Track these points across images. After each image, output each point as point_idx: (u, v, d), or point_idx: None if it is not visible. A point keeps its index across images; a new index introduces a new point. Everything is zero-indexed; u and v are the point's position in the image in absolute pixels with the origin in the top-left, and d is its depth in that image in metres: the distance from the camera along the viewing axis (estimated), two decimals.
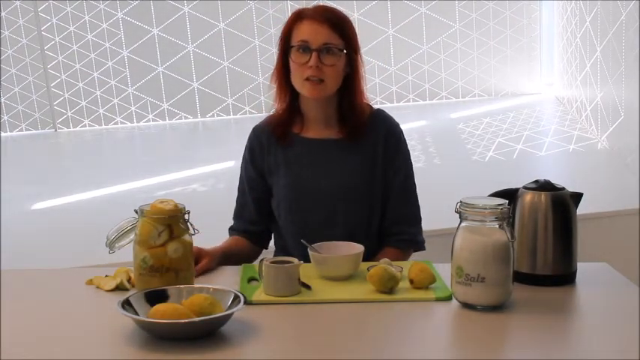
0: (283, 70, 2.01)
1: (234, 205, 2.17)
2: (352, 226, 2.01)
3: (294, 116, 2.06)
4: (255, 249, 2.15)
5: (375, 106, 2.11)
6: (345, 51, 1.97)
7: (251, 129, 2.15)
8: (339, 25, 1.97)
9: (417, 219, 2.10)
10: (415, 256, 2.09)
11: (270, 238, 2.18)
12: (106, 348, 1.44)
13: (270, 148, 2.07)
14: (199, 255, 1.86)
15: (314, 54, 1.93)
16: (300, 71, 1.95)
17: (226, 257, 2.00)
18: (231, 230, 2.16)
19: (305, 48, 1.94)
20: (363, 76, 2.04)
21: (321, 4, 2.06)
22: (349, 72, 2.01)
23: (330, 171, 2.03)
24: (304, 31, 1.95)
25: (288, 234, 2.06)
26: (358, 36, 2.02)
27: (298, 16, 1.98)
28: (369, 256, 1.93)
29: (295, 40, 1.96)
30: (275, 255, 2.13)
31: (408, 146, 2.11)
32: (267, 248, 2.18)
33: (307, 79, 1.95)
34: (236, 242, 2.11)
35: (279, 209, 2.07)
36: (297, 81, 1.98)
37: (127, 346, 1.43)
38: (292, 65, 1.97)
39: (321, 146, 2.04)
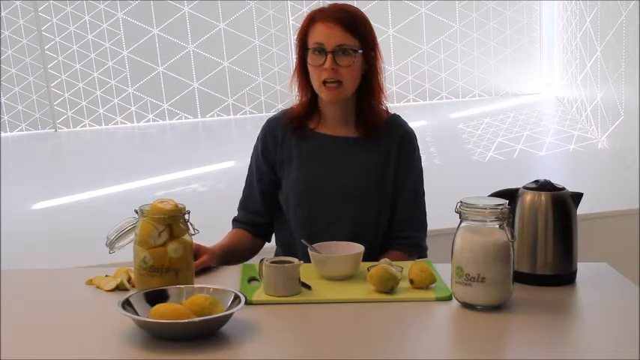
0: (302, 72, 2.02)
1: (234, 204, 2.17)
2: (360, 224, 2.01)
3: (312, 113, 2.07)
4: (257, 242, 2.14)
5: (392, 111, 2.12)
6: (360, 50, 1.97)
7: (260, 125, 2.15)
8: (354, 24, 1.97)
9: (423, 225, 2.11)
10: None
11: (273, 232, 2.18)
12: (106, 348, 1.44)
13: (283, 141, 2.08)
14: (198, 251, 1.86)
15: (329, 56, 1.94)
16: (317, 73, 1.96)
17: (227, 255, 2.00)
18: (235, 222, 2.15)
19: (320, 50, 1.95)
20: (381, 73, 2.04)
21: (335, 3, 2.05)
22: (367, 70, 2.01)
23: (343, 168, 2.03)
24: (319, 33, 1.96)
25: (295, 228, 2.06)
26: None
27: (312, 18, 1.99)
28: (374, 256, 1.93)
29: (311, 43, 1.97)
30: (276, 252, 2.14)
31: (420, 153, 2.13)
32: (269, 241, 2.18)
33: (325, 82, 1.95)
34: (237, 237, 2.11)
35: (288, 202, 2.07)
36: (315, 83, 1.99)
37: (127, 346, 1.43)
38: (309, 68, 1.99)
39: (336, 143, 2.05)
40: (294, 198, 2.05)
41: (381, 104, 2.06)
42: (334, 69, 1.94)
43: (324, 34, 1.95)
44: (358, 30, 1.97)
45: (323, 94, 1.98)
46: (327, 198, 2.02)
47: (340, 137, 2.05)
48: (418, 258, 2.09)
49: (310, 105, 2.06)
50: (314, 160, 2.05)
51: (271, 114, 2.18)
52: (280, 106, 7.16)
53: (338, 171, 2.03)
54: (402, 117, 2.12)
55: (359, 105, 2.04)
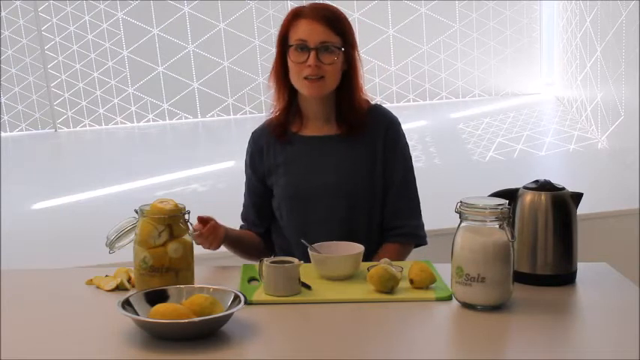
0: (282, 70, 2.02)
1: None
2: (353, 221, 2.01)
3: (292, 115, 2.07)
4: (264, 245, 2.16)
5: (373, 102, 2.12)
6: (342, 48, 1.97)
7: (251, 132, 2.16)
8: (336, 22, 1.98)
9: (417, 212, 2.10)
10: (415, 255, 2.09)
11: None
12: (106, 348, 1.44)
13: (269, 150, 2.08)
14: (209, 220, 1.88)
15: (312, 53, 1.94)
16: (299, 70, 1.96)
17: (234, 240, 2.03)
18: (242, 228, 2.18)
19: (303, 47, 1.95)
20: (360, 72, 2.04)
21: (318, 2, 2.06)
22: (347, 69, 2.01)
23: (329, 167, 2.03)
24: (302, 30, 1.96)
25: (290, 232, 2.06)
26: (356, 33, 2.04)
27: (295, 15, 1.99)
28: (370, 251, 1.93)
29: (293, 40, 1.97)
30: (275, 255, 2.14)
31: (407, 140, 2.12)
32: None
33: (306, 77, 1.95)
34: (248, 233, 2.14)
35: (280, 208, 2.07)
36: (296, 80, 1.99)
37: (127, 346, 1.43)
38: (291, 64, 1.98)
39: (320, 143, 2.05)
40: (285, 203, 2.05)
41: (361, 100, 2.06)
42: (317, 66, 1.94)
43: (307, 31, 1.96)
44: (340, 28, 1.98)
45: (304, 89, 1.98)
46: (318, 199, 2.03)
47: (324, 137, 2.05)
48: (416, 246, 2.09)
49: (290, 107, 2.06)
50: (300, 163, 2.05)
51: (268, 117, 2.17)
52: None
53: (325, 171, 2.03)
54: (404, 120, 2.12)
55: (338, 103, 2.04)
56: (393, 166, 2.05)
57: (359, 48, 2.05)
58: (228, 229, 2.02)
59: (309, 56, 1.94)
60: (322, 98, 2.01)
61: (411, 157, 2.11)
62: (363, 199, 2.03)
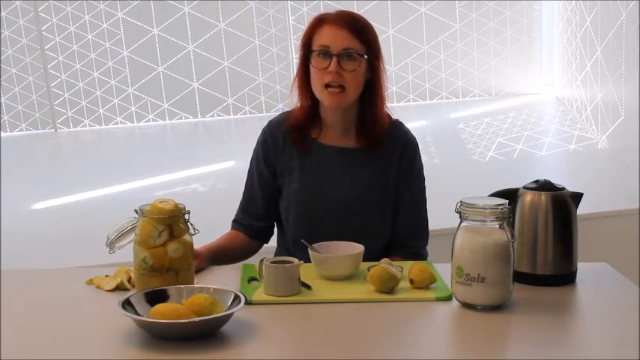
0: (304, 75, 2.00)
1: (234, 204, 2.16)
2: (362, 236, 1.98)
3: (312, 120, 2.04)
4: (254, 244, 2.13)
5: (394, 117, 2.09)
6: (365, 56, 1.96)
7: (260, 125, 2.12)
8: (361, 30, 1.95)
9: (425, 234, 2.09)
10: None
11: (273, 233, 2.17)
12: (106, 348, 1.44)
13: (285, 149, 2.05)
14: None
15: (334, 59, 1.92)
16: (320, 76, 1.94)
17: (219, 255, 1.98)
18: (235, 223, 2.14)
19: (325, 53, 1.93)
20: (384, 83, 2.02)
21: (342, 10, 2.04)
22: (370, 78, 1.99)
23: (344, 180, 2.01)
24: (325, 36, 1.94)
25: (295, 237, 2.04)
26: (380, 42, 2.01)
27: (320, 21, 1.97)
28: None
29: (316, 45, 1.95)
30: (276, 253, 2.13)
31: (423, 162, 2.11)
32: (267, 242, 2.17)
33: (327, 85, 1.93)
34: (233, 238, 2.10)
35: (287, 212, 2.06)
36: (317, 87, 1.96)
37: (127, 346, 1.43)
38: (312, 71, 1.96)
39: (338, 154, 2.03)
40: (295, 209, 2.04)
41: (383, 113, 2.04)
42: (338, 72, 1.91)
43: (330, 37, 1.93)
44: (364, 36, 1.96)
45: (325, 98, 1.96)
46: (328, 211, 2.01)
47: (342, 148, 2.03)
48: None
49: (311, 111, 2.03)
50: (315, 172, 2.03)
51: (272, 114, 2.16)
52: (280, 106, 7.16)
53: (339, 184, 2.01)
54: (404, 120, 2.10)
55: (360, 114, 2.02)
56: (405, 187, 2.03)
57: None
58: (211, 248, 1.97)
59: (330, 62, 1.92)
60: (343, 109, 1.99)
61: (424, 178, 2.09)
62: (373, 217, 2.01)
